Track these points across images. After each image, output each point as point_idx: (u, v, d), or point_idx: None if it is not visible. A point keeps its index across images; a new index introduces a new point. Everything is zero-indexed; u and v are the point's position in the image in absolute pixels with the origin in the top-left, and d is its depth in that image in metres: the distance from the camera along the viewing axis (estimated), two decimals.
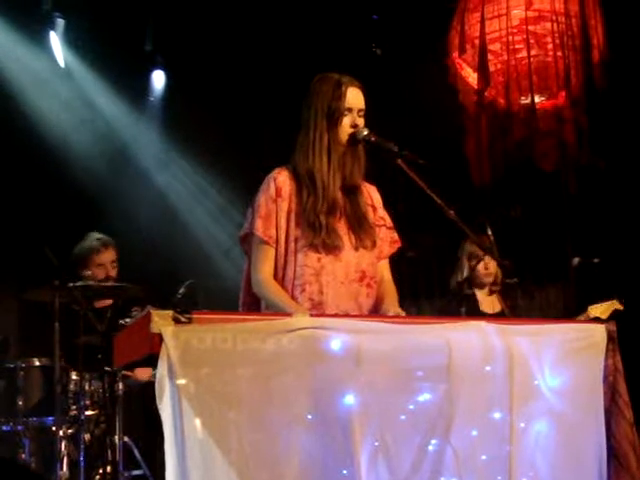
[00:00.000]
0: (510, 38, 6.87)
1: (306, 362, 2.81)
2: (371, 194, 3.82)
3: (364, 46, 7.70)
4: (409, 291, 7.17)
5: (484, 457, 3.02)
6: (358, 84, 3.70)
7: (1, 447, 5.13)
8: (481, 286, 5.72)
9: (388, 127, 3.66)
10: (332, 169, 3.62)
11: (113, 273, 5.75)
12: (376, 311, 3.62)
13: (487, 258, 5.57)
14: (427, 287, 7.73)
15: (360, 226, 3.67)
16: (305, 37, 7.44)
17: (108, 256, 5.76)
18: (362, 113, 3.67)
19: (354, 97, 3.66)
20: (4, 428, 5.07)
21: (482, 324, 3.10)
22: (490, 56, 6.97)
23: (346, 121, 3.63)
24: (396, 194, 3.95)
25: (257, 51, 7.53)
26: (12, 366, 5.16)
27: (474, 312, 5.47)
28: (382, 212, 3.82)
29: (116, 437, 4.87)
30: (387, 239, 3.80)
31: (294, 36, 7.46)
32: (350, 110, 3.64)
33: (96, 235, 5.82)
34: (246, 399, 2.75)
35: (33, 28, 7.17)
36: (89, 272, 5.57)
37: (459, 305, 5.40)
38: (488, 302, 5.73)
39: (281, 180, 3.64)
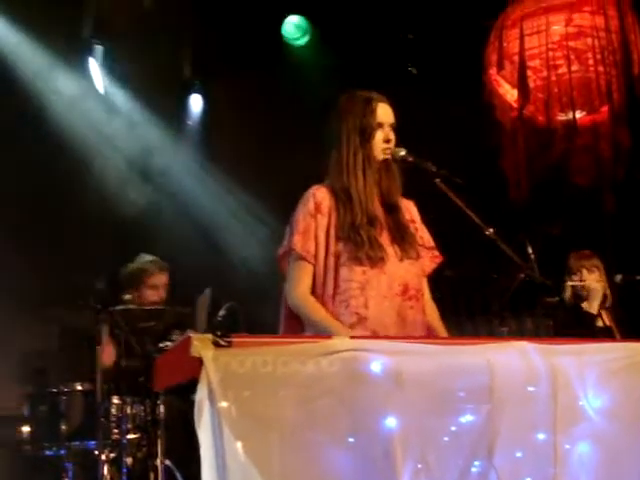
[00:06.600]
0: (550, 54, 6.83)
1: (346, 384, 2.78)
2: (409, 209, 3.81)
3: (400, 65, 7.70)
4: (450, 311, 7.12)
5: (528, 479, 2.97)
6: (387, 100, 3.72)
7: (44, 472, 5.17)
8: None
9: (425, 146, 3.65)
10: (368, 185, 3.62)
11: (164, 296, 5.74)
12: (423, 326, 3.60)
13: (585, 273, 5.56)
14: (468, 306, 7.67)
15: (403, 237, 3.65)
16: (341, 57, 7.46)
17: (162, 278, 5.74)
18: (393, 128, 3.68)
19: (384, 112, 3.67)
20: (47, 453, 5.11)
21: (524, 344, 3.05)
22: (529, 72, 6.94)
23: (378, 136, 3.64)
24: (435, 213, 3.93)
25: (291, 73, 7.56)
26: (54, 391, 5.19)
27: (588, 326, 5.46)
28: (420, 228, 3.80)
29: (158, 460, 4.87)
30: (427, 255, 3.77)
31: (329, 57, 7.48)
32: (381, 125, 3.65)
33: (149, 257, 5.78)
34: (287, 422, 2.72)
35: (72, 55, 7.26)
36: (129, 296, 5.59)
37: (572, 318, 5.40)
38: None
39: (320, 196, 3.63)
